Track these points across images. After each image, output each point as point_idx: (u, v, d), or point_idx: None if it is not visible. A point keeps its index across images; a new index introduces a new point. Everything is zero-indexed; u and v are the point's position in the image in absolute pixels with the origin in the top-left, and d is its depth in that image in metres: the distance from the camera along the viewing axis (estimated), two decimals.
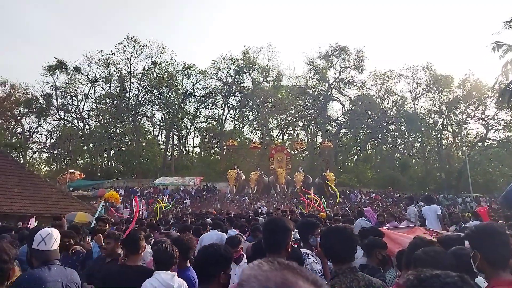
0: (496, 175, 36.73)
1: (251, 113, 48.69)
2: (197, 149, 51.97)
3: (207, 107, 47.37)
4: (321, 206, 15.61)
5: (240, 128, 49.43)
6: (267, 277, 0.78)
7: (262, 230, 2.79)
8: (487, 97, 40.64)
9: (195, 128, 49.19)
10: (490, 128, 41.68)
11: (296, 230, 4.13)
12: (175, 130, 47.32)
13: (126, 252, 3.52)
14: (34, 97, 43.02)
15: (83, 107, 45.22)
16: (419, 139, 46.36)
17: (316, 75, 46.37)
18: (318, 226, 3.81)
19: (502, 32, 23.79)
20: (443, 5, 77.53)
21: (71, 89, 44.01)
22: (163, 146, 47.19)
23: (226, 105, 47.09)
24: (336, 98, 47.45)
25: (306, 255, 3.35)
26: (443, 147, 45.53)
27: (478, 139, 43.79)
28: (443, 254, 2.39)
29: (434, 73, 43.97)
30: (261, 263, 0.83)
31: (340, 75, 45.67)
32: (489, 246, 2.10)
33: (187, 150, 51.22)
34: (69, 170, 30.25)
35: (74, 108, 44.80)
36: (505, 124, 40.37)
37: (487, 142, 42.99)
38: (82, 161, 47.11)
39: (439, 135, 45.48)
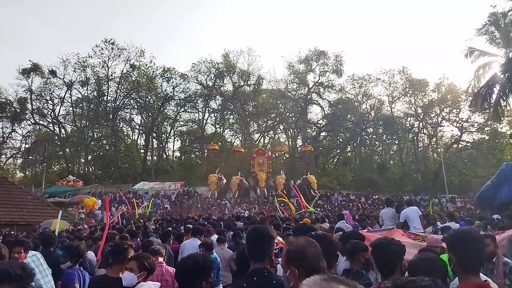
0: (471, 176, 37.91)
1: (232, 116, 48.63)
2: (177, 153, 51.54)
3: (187, 110, 47.06)
4: (293, 210, 15.73)
5: (221, 132, 49.31)
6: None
7: (246, 239, 2.79)
8: (461, 100, 41.92)
9: (175, 132, 48.77)
10: (464, 130, 43.00)
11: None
12: (154, 134, 46.76)
13: (111, 260, 3.46)
14: (8, 101, 41.62)
15: (59, 111, 44.14)
16: (396, 142, 47.39)
17: (296, 79, 46.81)
18: (314, 230, 3.83)
19: (474, 38, 24.83)
20: (418, 12, 79.81)
21: (46, 92, 42.89)
22: (143, 151, 46.49)
23: (207, 109, 46.86)
24: (316, 102, 48.01)
25: None
26: (419, 149, 46.70)
27: (452, 141, 45.10)
28: (438, 261, 2.48)
29: (409, 77, 45.10)
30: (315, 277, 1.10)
31: (319, 79, 46.29)
32: (464, 251, 2.23)
33: (167, 154, 50.72)
34: (68, 178, 29.71)
35: (49, 112, 43.70)
36: (478, 127, 41.71)
37: (461, 144, 44.31)
38: (58, 166, 45.95)
39: (415, 137, 46.64)
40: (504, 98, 22.22)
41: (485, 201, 15.84)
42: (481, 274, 2.36)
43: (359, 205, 26.53)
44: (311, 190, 27.82)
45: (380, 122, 45.47)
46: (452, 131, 45.44)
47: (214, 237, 7.24)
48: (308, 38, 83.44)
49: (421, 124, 46.53)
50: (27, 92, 42.06)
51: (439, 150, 41.57)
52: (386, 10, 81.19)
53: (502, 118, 30.06)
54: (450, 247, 2.31)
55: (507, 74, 22.00)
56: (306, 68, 46.27)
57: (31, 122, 43.46)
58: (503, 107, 23.24)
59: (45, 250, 5.66)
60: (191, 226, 8.24)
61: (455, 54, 73.95)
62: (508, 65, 22.07)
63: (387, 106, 47.28)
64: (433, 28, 77.03)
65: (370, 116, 47.07)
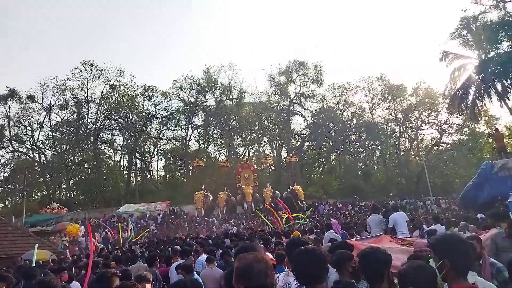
0: (453, 177, 38.59)
1: (215, 131, 48.55)
2: (161, 172, 50.95)
3: (170, 128, 46.78)
4: (280, 223, 15.66)
5: (205, 148, 49.07)
6: None
7: (235, 258, 2.73)
8: (439, 103, 42.98)
9: (159, 151, 48.31)
10: (443, 132, 43.98)
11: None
12: (138, 154, 46.19)
13: None
14: None
15: (38, 136, 43.17)
16: (379, 147, 48.05)
17: (278, 91, 47.25)
18: (306, 244, 3.78)
19: (449, 42, 25.63)
20: (393, 18, 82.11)
21: (24, 118, 41.94)
22: (126, 172, 45.73)
23: (190, 125, 46.70)
24: (298, 112, 48.43)
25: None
26: (401, 154, 47.47)
27: (433, 143, 46.03)
28: (427, 269, 2.47)
29: (388, 83, 46.06)
30: None
31: (300, 89, 46.81)
32: (452, 256, 2.24)
33: (151, 174, 50.08)
34: (53, 205, 28.86)
35: (28, 139, 42.62)
36: (457, 128, 42.75)
37: (441, 146, 45.28)
38: (38, 194, 44.67)
39: (397, 142, 47.47)
40: (480, 98, 22.91)
41: (468, 201, 16.14)
42: (471, 273, 2.38)
43: (347, 213, 26.60)
44: (299, 201, 27.80)
45: (362, 129, 46.13)
46: (432, 133, 46.52)
47: (203, 257, 7.11)
48: (287, 49, 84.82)
49: (401, 128, 47.41)
50: (4, 119, 41.10)
51: (420, 153, 42.30)
52: (361, 18, 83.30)
53: (479, 118, 30.97)
54: (441, 253, 2.32)
55: (481, 76, 22.75)
56: (287, 79, 46.79)
57: (9, 149, 42.31)
58: (480, 108, 23.94)
59: (26, 284, 5.44)
60: (179, 247, 8.06)
61: (431, 58, 76.21)
62: (482, 66, 22.84)
63: (368, 112, 48.10)
64: (408, 33, 79.37)
65: (352, 124, 47.72)
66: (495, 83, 22.18)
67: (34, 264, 9.01)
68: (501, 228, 5.05)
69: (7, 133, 41.59)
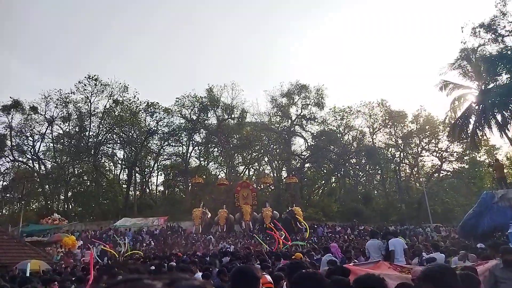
0: (453, 205, 38.38)
1: (216, 149, 48.63)
2: (161, 188, 50.75)
3: (171, 144, 46.89)
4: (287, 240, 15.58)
5: (206, 165, 49.05)
6: None
7: (230, 280, 2.74)
8: (439, 131, 43.17)
9: (159, 166, 48.26)
10: (444, 160, 44.01)
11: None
12: (137, 169, 46.14)
13: None
14: None
15: (39, 147, 43.23)
16: (379, 172, 47.96)
17: (279, 112, 47.58)
18: (305, 269, 3.77)
19: (448, 72, 25.89)
20: (394, 46, 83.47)
21: (26, 129, 42.11)
22: (125, 186, 45.63)
23: (191, 142, 46.79)
24: (299, 134, 48.63)
25: None
26: (401, 179, 47.33)
27: (434, 170, 45.99)
28: None
29: (388, 109, 46.40)
30: None
31: (301, 111, 47.12)
32: (457, 285, 2.29)
33: (150, 189, 49.89)
34: (54, 216, 28.72)
35: (29, 149, 42.73)
36: (457, 156, 42.81)
37: (442, 173, 45.21)
38: (36, 204, 44.46)
39: (397, 167, 47.39)
40: (480, 128, 23.05)
41: (468, 230, 16.05)
42: None
43: (345, 236, 26.35)
44: (297, 223, 27.60)
45: (363, 153, 46.18)
46: (432, 160, 46.52)
47: (198, 274, 7.05)
48: (289, 72, 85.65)
49: (402, 154, 47.44)
50: (6, 129, 41.32)
51: (421, 179, 42.20)
52: (364, 44, 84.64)
53: (480, 148, 31.10)
54: (440, 284, 2.35)
55: (481, 106, 22.96)
56: (288, 101, 47.19)
57: (9, 159, 42.38)
58: (480, 137, 24.09)
59: None
60: (174, 263, 8.00)
61: (431, 86, 76.87)
62: (482, 97, 23.10)
63: (369, 137, 48.25)
64: (410, 61, 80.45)
65: (352, 147, 47.79)
66: (495, 113, 22.37)
67: (28, 274, 8.95)
68: (501, 260, 5.05)
69: (8, 143, 41.78)
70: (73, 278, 8.39)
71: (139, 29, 79.99)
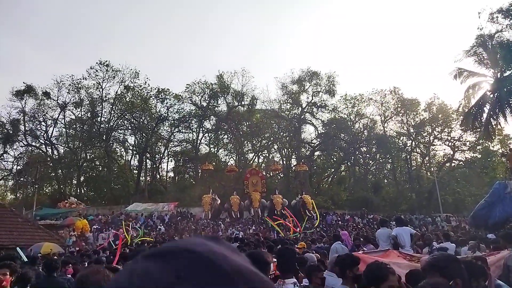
0: (464, 195, 38.02)
1: (226, 136, 48.73)
2: (171, 174, 51.21)
3: (181, 131, 47.13)
4: (297, 227, 15.64)
5: (215, 152, 49.26)
6: None
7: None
8: (452, 119, 42.49)
9: (169, 152, 48.61)
10: (456, 149, 43.39)
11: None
12: (148, 155, 46.56)
13: None
14: (0, 123, 41.49)
15: (52, 132, 43.87)
16: (390, 161, 47.56)
17: (290, 99, 47.24)
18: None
19: (463, 59, 25.26)
20: (408, 32, 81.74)
21: (39, 114, 42.76)
22: (136, 171, 46.20)
23: (201, 129, 46.99)
24: (309, 121, 48.33)
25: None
26: (412, 168, 46.91)
27: (445, 160, 45.41)
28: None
29: (401, 97, 45.74)
30: None
31: (312, 99, 46.75)
32: (463, 273, 2.27)
33: (160, 175, 50.36)
34: (71, 200, 29.24)
35: (42, 134, 43.45)
36: (470, 145, 42.16)
37: (454, 163, 44.64)
38: (49, 188, 45.36)
39: (408, 156, 46.90)
40: (495, 117, 22.57)
41: (479, 220, 15.89)
42: None
43: (354, 225, 26.36)
44: (306, 211, 27.64)
45: (374, 142, 45.77)
46: (444, 150, 45.91)
47: None
48: (300, 59, 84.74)
49: (413, 143, 46.89)
50: (20, 114, 41.94)
51: (432, 169, 41.78)
52: (377, 31, 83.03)
53: (493, 137, 30.52)
54: (451, 273, 2.32)
55: (496, 94, 22.44)
56: (299, 88, 46.78)
57: (23, 143, 43.21)
58: (494, 126, 23.60)
59: (48, 277, 5.46)
60: None
61: (445, 73, 75.42)
62: (497, 85, 22.55)
63: (380, 125, 47.75)
64: (424, 47, 78.80)
65: (363, 136, 47.36)
66: (510, 102, 21.88)
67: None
68: None
69: (22, 127, 42.55)
70: (89, 261, 8.54)
71: (152, 17, 79.61)
